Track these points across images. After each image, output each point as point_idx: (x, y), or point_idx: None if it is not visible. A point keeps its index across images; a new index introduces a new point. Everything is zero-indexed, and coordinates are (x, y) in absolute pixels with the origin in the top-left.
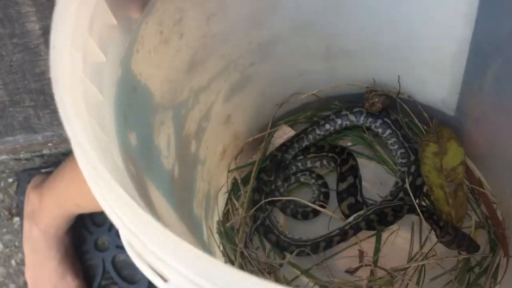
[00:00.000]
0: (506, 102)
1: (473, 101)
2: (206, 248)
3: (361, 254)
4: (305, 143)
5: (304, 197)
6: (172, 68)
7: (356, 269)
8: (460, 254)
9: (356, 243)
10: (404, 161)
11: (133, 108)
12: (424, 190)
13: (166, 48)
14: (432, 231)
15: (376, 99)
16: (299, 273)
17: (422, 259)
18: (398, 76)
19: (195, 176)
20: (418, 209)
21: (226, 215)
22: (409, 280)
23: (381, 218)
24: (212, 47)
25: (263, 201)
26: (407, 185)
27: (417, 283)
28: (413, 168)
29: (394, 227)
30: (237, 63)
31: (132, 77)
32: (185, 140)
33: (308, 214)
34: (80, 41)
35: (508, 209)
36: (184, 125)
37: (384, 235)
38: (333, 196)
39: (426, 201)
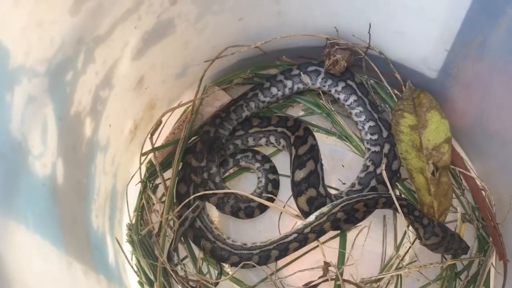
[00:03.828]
0: None
1: (468, 60)
2: (111, 272)
3: (326, 266)
4: (246, 113)
5: (247, 186)
6: (44, 5)
7: (318, 284)
8: (445, 257)
9: (317, 246)
10: (374, 137)
11: None
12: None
13: None
14: (411, 228)
15: (340, 56)
16: None
17: (400, 267)
18: (369, 25)
19: (93, 171)
20: (397, 203)
21: (140, 215)
22: None
23: (350, 216)
24: None
25: (192, 196)
26: (382, 171)
27: None
28: (386, 147)
29: (363, 223)
30: (151, 1)
31: None
32: (74, 120)
33: (253, 211)
34: None
35: (501, 197)
36: (72, 98)
37: (351, 235)
38: (283, 182)
39: (402, 189)
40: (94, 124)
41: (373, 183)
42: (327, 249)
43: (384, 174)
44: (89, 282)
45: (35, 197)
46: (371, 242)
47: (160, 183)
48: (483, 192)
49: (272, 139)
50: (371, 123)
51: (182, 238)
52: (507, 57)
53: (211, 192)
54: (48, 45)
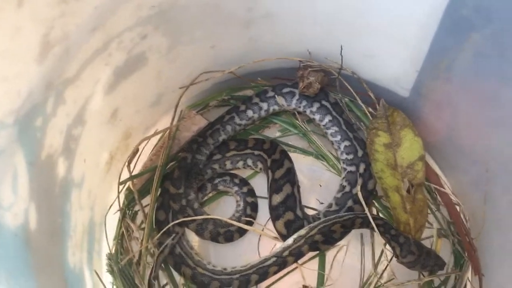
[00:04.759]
0: (484, 84)
1: (437, 80)
2: None
3: None
4: (222, 136)
5: (226, 210)
6: (8, 59)
7: None
8: (422, 274)
9: (296, 268)
10: (350, 157)
11: None
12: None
13: None
14: (388, 245)
15: (313, 78)
16: None
17: (378, 286)
18: (341, 47)
19: (68, 209)
20: (373, 223)
21: (120, 243)
22: None
23: (328, 237)
24: (78, 17)
25: (171, 224)
26: (358, 192)
27: None
28: (362, 167)
29: (341, 242)
30: (121, 39)
31: None
32: (46, 163)
33: (232, 235)
34: None
35: (474, 213)
36: (43, 143)
37: (330, 254)
38: (262, 204)
39: (378, 207)
40: (67, 163)
41: (349, 203)
42: (306, 271)
43: (360, 195)
44: None
45: (8, 252)
46: (349, 261)
47: (139, 210)
48: (457, 207)
49: (249, 162)
50: (347, 143)
51: (162, 265)
52: (473, 78)
53: (190, 218)
54: (15, 97)
